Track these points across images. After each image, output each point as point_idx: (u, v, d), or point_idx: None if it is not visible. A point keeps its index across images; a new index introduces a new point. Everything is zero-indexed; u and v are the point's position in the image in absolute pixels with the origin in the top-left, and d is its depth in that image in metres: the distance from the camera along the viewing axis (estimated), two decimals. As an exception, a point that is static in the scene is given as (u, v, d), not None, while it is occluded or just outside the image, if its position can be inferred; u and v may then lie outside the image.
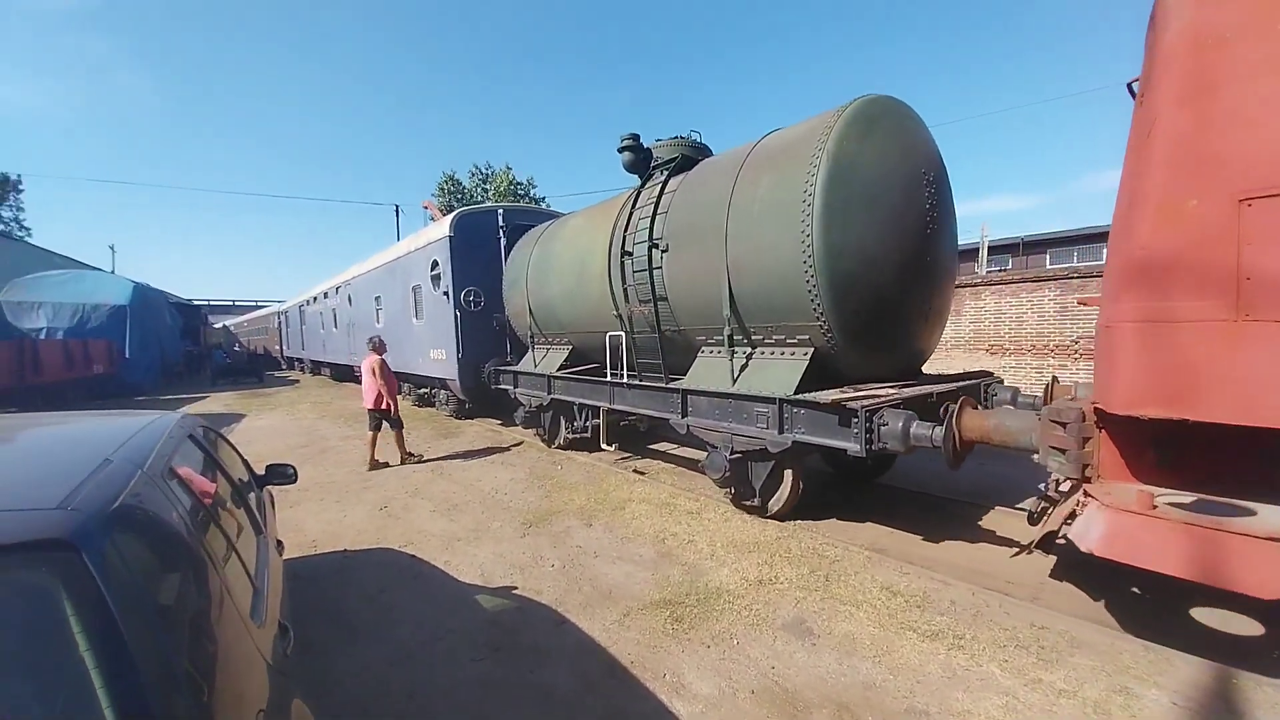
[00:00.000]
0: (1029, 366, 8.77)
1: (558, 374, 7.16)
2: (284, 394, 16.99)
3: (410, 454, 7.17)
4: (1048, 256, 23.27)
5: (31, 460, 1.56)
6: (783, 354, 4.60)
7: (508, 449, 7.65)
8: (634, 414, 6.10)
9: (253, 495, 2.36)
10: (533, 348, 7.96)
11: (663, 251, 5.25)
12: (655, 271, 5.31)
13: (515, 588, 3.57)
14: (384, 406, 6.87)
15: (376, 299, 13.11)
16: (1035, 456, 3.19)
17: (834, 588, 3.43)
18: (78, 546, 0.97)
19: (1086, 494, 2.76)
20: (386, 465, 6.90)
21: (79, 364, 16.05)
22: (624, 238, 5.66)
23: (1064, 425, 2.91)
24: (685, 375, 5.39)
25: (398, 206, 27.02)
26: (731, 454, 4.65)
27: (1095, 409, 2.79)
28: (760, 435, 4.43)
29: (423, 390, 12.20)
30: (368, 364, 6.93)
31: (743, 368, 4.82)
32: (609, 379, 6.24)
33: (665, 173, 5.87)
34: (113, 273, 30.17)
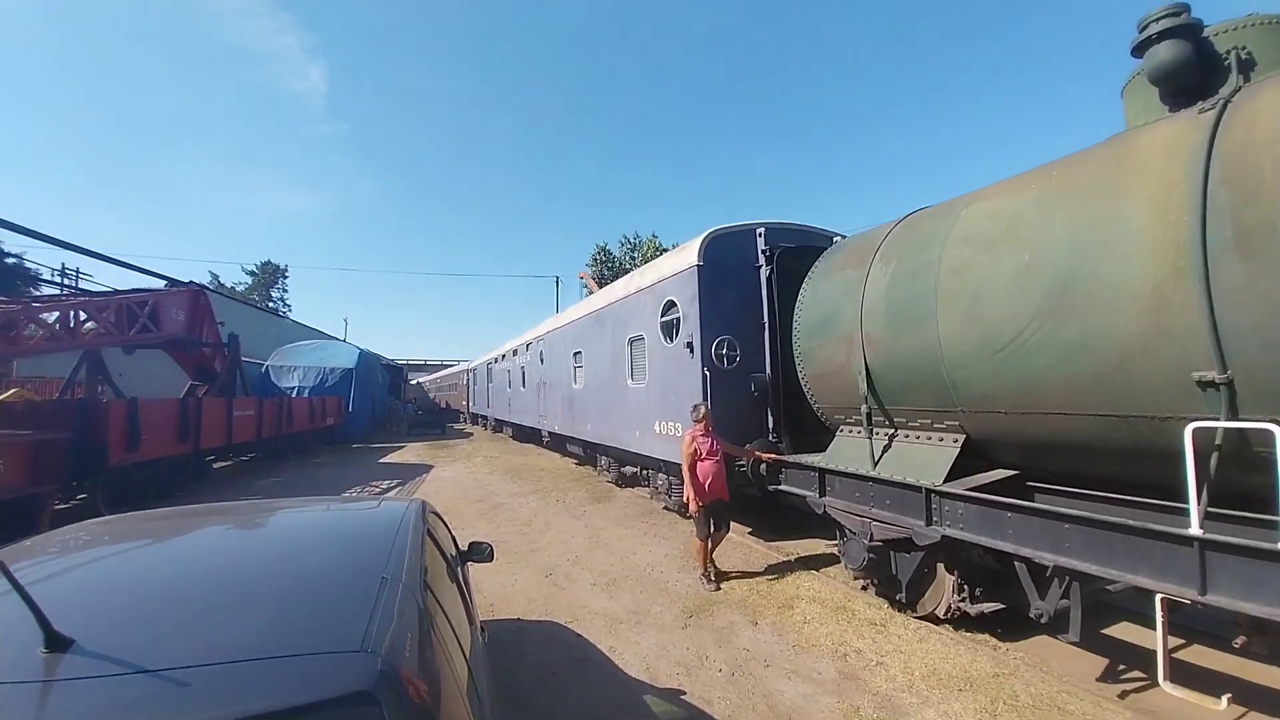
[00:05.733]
0: None
1: (970, 493, 3.77)
2: (461, 447, 18.53)
3: (706, 573, 5.24)
4: None
5: (311, 573, 1.48)
6: None
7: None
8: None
9: (460, 576, 2.30)
10: (868, 430, 4.69)
11: None
12: None
13: (683, 692, 3.37)
14: (721, 496, 5.26)
15: (575, 355, 11.37)
16: None
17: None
18: (380, 700, 0.92)
19: None
20: (722, 578, 5.32)
21: (317, 417, 18.28)
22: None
23: None
24: None
25: (558, 278, 28.27)
26: None
27: None
28: None
29: (628, 469, 9.76)
30: (696, 440, 5.24)
31: None
32: (1196, 531, 2.65)
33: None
34: (344, 340, 36.26)
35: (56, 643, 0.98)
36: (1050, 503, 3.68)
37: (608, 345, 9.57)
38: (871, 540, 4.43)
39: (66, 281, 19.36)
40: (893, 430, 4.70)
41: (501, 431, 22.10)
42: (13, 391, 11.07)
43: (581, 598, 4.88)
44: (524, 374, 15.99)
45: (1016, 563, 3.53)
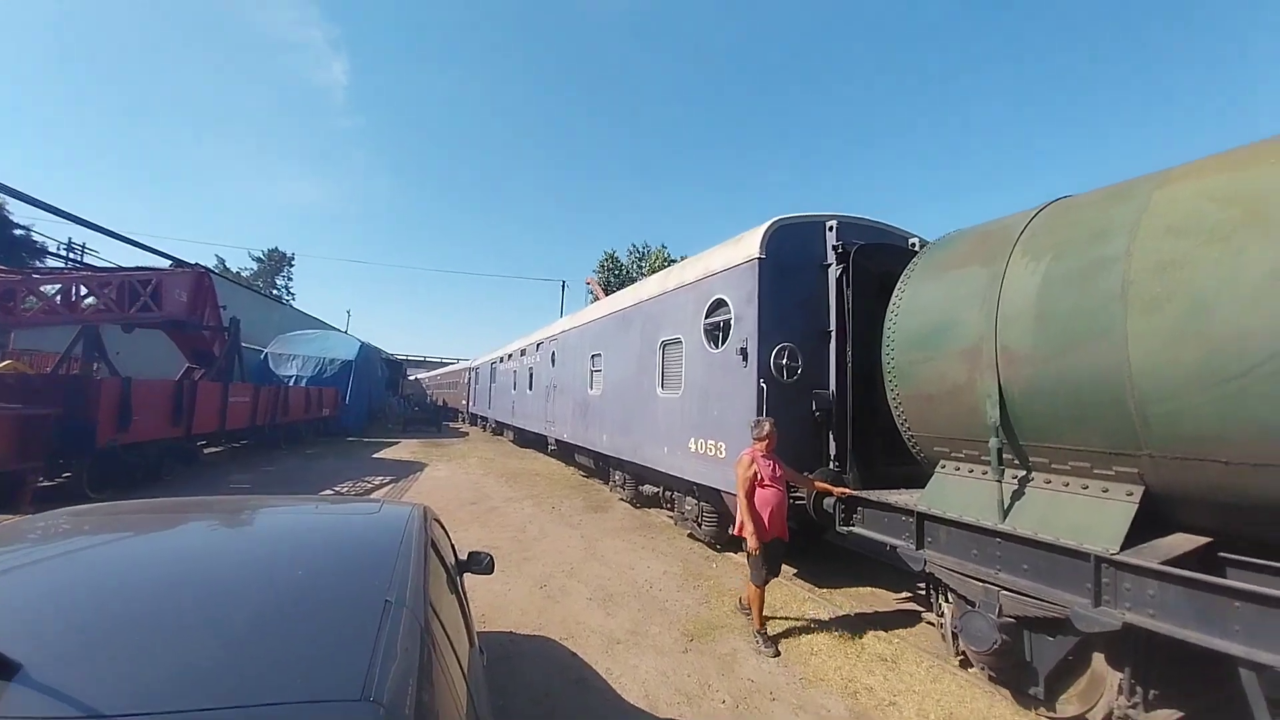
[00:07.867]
0: None
1: (1174, 570, 2.91)
2: (456, 446, 18.03)
3: (762, 631, 4.34)
4: None
5: (308, 591, 1.31)
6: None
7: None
8: None
9: (460, 590, 2.19)
10: (996, 471, 3.83)
11: None
12: None
13: None
14: (781, 534, 4.49)
15: (593, 358, 10.53)
16: None
17: None
18: None
19: None
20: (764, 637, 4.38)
21: (313, 407, 17.60)
22: None
23: None
24: None
25: (564, 282, 28.01)
26: None
27: None
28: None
29: (647, 488, 8.80)
30: (756, 462, 4.45)
31: None
32: None
33: None
34: (346, 332, 35.46)
35: (2, 668, 0.86)
36: (1251, 581, 2.83)
37: (634, 349, 8.78)
38: (1001, 615, 3.55)
39: (73, 256, 18.66)
40: (1025, 473, 3.87)
41: (502, 435, 21.30)
42: (6, 364, 10.38)
43: (576, 613, 4.73)
44: (532, 376, 15.18)
45: (1244, 670, 2.66)
